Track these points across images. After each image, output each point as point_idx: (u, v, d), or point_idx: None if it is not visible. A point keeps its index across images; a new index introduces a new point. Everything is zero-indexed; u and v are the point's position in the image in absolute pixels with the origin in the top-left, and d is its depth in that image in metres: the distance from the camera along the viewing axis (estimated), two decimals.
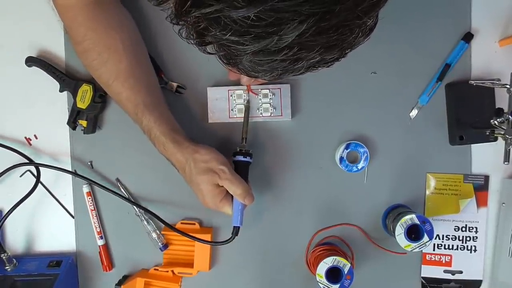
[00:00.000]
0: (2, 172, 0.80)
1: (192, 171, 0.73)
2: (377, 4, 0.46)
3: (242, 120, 0.79)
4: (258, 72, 0.51)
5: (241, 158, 0.77)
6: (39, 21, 0.83)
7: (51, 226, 0.85)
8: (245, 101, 0.80)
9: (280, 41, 0.44)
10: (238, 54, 0.47)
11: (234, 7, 0.41)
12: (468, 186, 0.82)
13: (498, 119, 0.72)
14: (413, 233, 0.76)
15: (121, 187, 0.83)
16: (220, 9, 0.42)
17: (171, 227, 0.80)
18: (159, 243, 0.83)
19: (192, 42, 0.49)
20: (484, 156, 0.82)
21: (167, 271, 0.83)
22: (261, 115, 0.81)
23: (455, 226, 0.83)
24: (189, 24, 0.47)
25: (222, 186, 0.74)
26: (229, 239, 0.77)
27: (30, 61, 0.81)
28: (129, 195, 0.83)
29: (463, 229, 0.83)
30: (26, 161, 0.81)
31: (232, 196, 0.75)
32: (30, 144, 0.84)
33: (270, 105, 0.80)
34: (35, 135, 0.84)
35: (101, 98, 0.81)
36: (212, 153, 0.74)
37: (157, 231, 0.83)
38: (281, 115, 0.81)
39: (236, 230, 0.76)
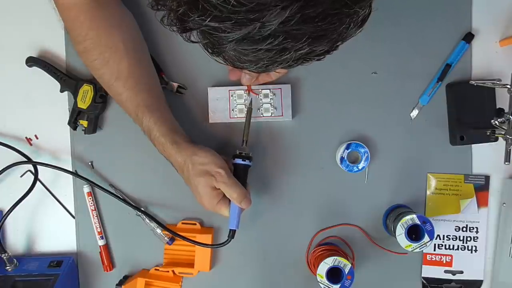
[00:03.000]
0: (1, 170, 0.80)
1: (190, 173, 0.73)
2: None
3: (243, 121, 0.79)
4: (244, 63, 0.49)
5: (240, 161, 0.76)
6: (40, 21, 0.83)
7: (51, 226, 0.85)
8: (248, 104, 0.79)
9: (263, 28, 0.42)
10: (221, 42, 0.46)
11: None
12: (468, 186, 0.82)
13: (498, 119, 0.72)
14: (414, 233, 0.76)
15: (119, 191, 0.83)
16: None
17: (168, 230, 0.80)
18: (166, 237, 0.83)
19: (175, 29, 0.48)
20: (485, 156, 0.82)
21: (168, 271, 0.83)
22: (261, 115, 0.81)
23: (456, 226, 0.83)
24: (167, 8, 0.46)
25: (219, 189, 0.74)
26: (225, 242, 0.77)
27: (31, 61, 0.81)
28: (126, 197, 0.83)
29: (464, 229, 0.83)
30: (25, 159, 0.81)
31: (229, 199, 0.75)
32: (31, 144, 0.84)
33: (271, 105, 0.80)
34: (35, 135, 0.84)
35: (102, 98, 0.81)
36: (210, 156, 0.73)
37: (161, 227, 0.82)
38: (282, 115, 0.81)
39: (232, 233, 0.76)
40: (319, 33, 0.44)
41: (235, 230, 0.76)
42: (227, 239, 0.77)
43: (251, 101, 0.79)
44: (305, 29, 0.43)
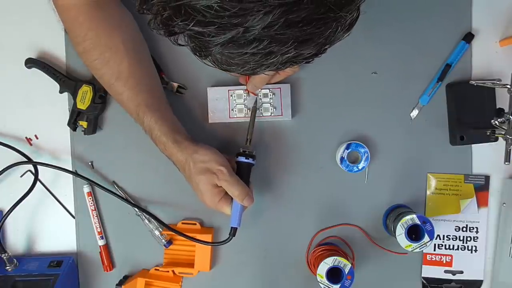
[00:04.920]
0: (1, 171, 0.80)
1: (191, 171, 0.73)
2: None
3: (243, 120, 0.79)
4: (231, 66, 0.50)
5: (243, 159, 0.76)
6: (40, 21, 0.83)
7: (51, 226, 0.85)
8: (252, 103, 0.79)
9: (246, 33, 0.43)
10: (206, 46, 0.46)
11: None
12: (468, 186, 0.82)
13: (498, 119, 0.72)
14: (414, 233, 0.76)
15: (120, 190, 0.83)
16: None
17: (169, 228, 0.80)
18: (163, 240, 0.82)
19: (162, 33, 0.48)
20: (485, 156, 0.82)
21: (168, 271, 0.83)
22: (261, 115, 0.81)
23: (456, 226, 0.83)
24: (152, 13, 0.46)
25: (221, 187, 0.74)
26: (226, 239, 0.77)
27: (30, 63, 0.81)
28: (127, 195, 0.83)
29: (464, 229, 0.83)
30: (25, 159, 0.81)
31: (231, 197, 0.75)
32: (31, 144, 0.84)
33: (271, 104, 0.80)
34: (35, 135, 0.84)
35: (101, 98, 0.81)
36: (211, 154, 0.74)
37: (160, 229, 0.83)
38: (282, 115, 0.81)
39: (233, 231, 0.76)
40: (304, 37, 0.44)
41: (236, 228, 0.76)
42: (228, 237, 0.76)
43: (256, 100, 0.79)
44: (290, 33, 0.43)
